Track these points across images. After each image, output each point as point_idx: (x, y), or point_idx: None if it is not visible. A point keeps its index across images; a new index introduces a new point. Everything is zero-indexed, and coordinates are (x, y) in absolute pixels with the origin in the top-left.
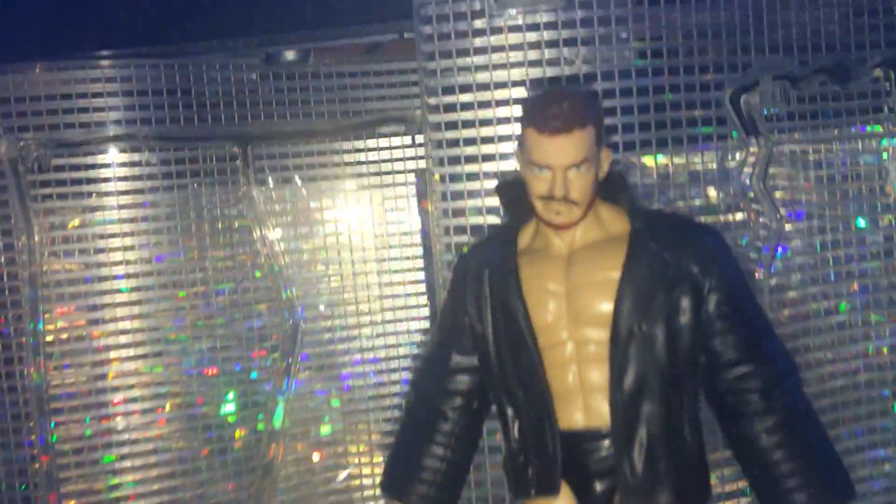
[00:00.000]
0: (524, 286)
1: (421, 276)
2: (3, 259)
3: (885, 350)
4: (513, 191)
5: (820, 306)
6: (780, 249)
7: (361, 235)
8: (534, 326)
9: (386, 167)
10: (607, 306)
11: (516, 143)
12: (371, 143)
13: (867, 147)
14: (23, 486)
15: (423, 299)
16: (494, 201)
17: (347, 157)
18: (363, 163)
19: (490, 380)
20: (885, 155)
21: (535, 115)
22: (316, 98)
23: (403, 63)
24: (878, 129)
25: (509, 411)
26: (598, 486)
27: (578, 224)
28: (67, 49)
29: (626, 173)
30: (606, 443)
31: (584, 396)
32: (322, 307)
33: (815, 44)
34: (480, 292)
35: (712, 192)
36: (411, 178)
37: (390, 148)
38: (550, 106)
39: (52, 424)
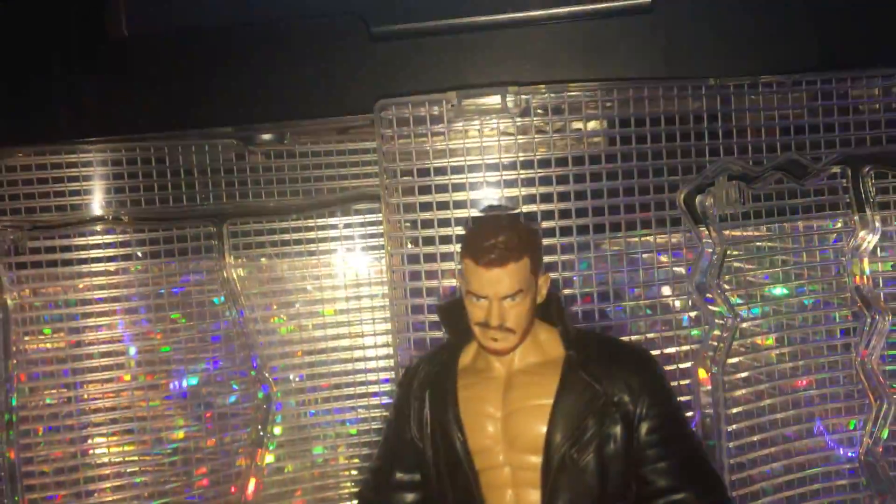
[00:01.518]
0: (462, 408)
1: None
2: None
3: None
4: (454, 313)
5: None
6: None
7: (334, 308)
8: (470, 449)
9: (360, 241)
10: (541, 432)
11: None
12: (346, 218)
13: (825, 242)
14: None
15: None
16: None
17: (321, 233)
18: (336, 238)
19: (431, 498)
20: (843, 249)
21: (473, 247)
22: (291, 176)
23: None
24: (839, 224)
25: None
26: None
27: (515, 349)
28: (44, 136)
29: (560, 297)
30: None
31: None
32: (294, 380)
33: (769, 144)
34: (422, 411)
35: (666, 290)
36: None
37: (363, 224)
38: (487, 239)
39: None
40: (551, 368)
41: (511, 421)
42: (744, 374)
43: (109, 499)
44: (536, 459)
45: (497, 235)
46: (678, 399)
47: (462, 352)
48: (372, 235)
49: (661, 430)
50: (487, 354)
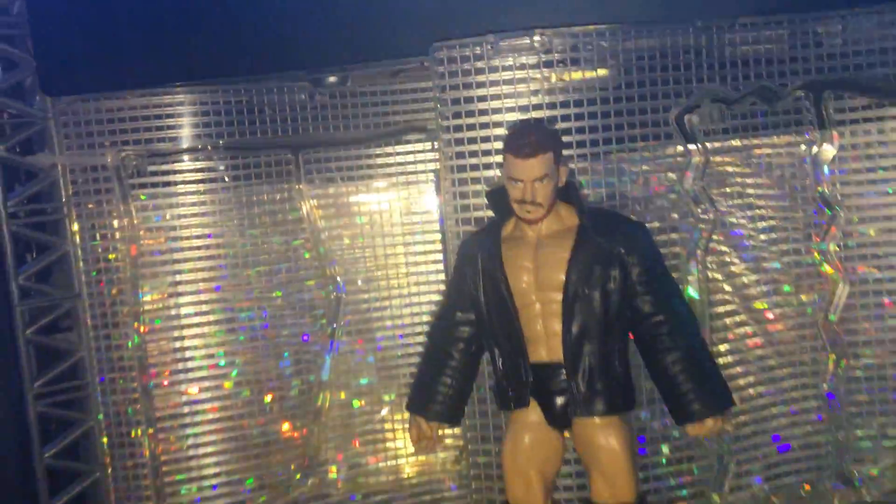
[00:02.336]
0: (505, 264)
1: (439, 256)
2: (109, 244)
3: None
4: (497, 196)
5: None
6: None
7: (391, 224)
8: (512, 291)
9: (410, 168)
10: (561, 277)
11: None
12: (398, 148)
13: (798, 154)
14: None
15: (441, 275)
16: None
17: (378, 160)
18: (391, 164)
19: (482, 330)
20: (806, 159)
21: (511, 143)
22: (353, 112)
23: (424, 83)
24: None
25: (496, 351)
26: (558, 402)
27: (543, 219)
28: (153, 80)
29: (577, 183)
30: (562, 371)
31: (546, 340)
32: (360, 282)
33: (745, 73)
34: (475, 269)
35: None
36: (431, 176)
37: (413, 152)
38: (521, 138)
39: (150, 382)
40: (569, 233)
41: (540, 270)
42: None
43: (213, 373)
44: (558, 296)
45: (529, 135)
46: (661, 254)
47: (504, 225)
48: (420, 162)
49: (648, 273)
50: (523, 224)
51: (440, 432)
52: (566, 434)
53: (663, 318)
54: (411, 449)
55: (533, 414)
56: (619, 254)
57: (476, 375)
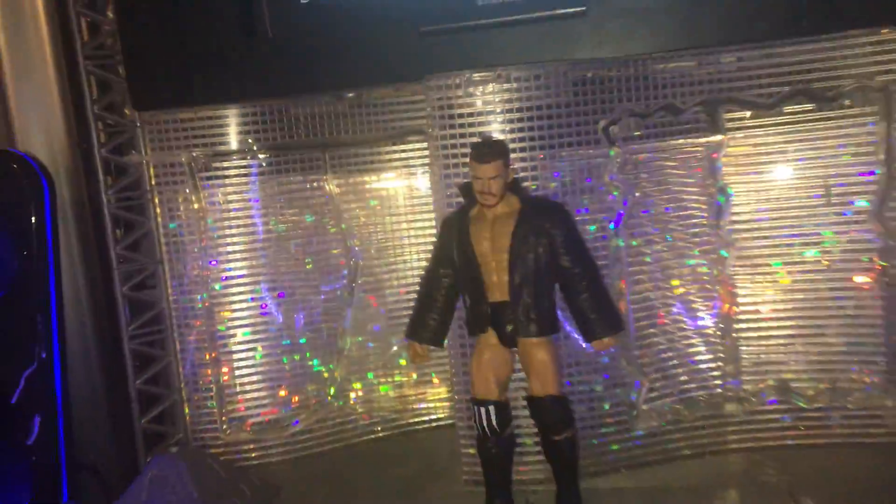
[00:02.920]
0: (471, 235)
1: (432, 230)
2: (182, 222)
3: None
4: (466, 188)
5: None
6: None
7: (396, 206)
8: (475, 253)
9: (410, 162)
10: (508, 243)
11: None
12: (401, 146)
13: (696, 155)
14: (198, 350)
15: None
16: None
17: (386, 156)
18: (396, 159)
19: (457, 280)
20: (707, 162)
21: (474, 153)
22: (366, 119)
23: (419, 97)
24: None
25: (466, 295)
26: (507, 328)
27: (496, 205)
28: (216, 97)
29: (519, 180)
30: (509, 307)
31: (499, 286)
32: (373, 251)
33: (656, 94)
34: (451, 237)
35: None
36: (426, 169)
37: (412, 150)
38: (481, 149)
39: (214, 328)
40: (514, 214)
41: (495, 240)
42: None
43: (264, 319)
44: (506, 257)
45: (486, 147)
46: (577, 226)
47: (471, 209)
48: (417, 157)
49: (566, 240)
50: (483, 208)
51: (428, 351)
52: (514, 350)
53: (577, 270)
54: (413, 379)
55: (492, 337)
56: (547, 228)
57: (453, 312)
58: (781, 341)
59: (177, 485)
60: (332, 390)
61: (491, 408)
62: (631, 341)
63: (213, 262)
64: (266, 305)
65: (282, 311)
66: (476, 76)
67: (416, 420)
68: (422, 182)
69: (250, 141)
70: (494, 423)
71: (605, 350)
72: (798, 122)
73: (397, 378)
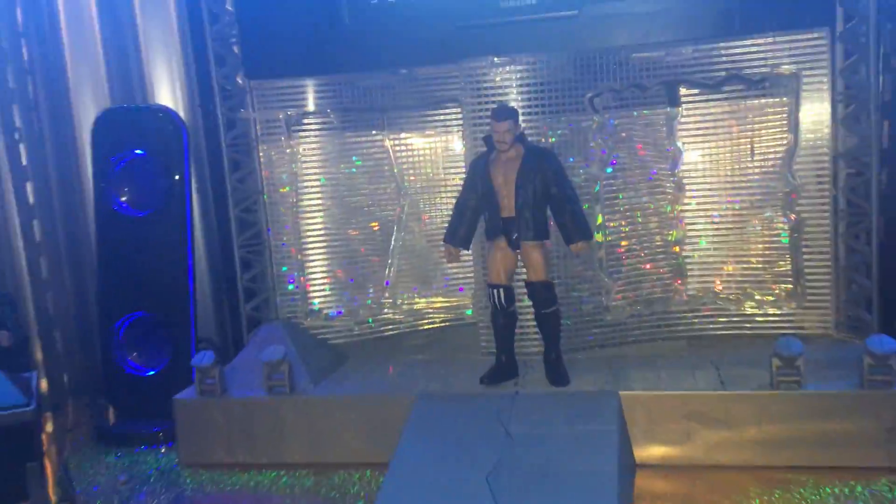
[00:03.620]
0: (490, 171)
1: (461, 174)
2: (278, 165)
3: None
4: (487, 140)
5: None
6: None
7: (437, 157)
8: (493, 184)
9: (449, 123)
10: (514, 177)
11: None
12: (442, 110)
13: (658, 121)
14: (286, 258)
15: None
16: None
17: (430, 118)
18: (438, 120)
19: (480, 203)
20: (667, 127)
21: (493, 114)
22: (415, 89)
23: (456, 73)
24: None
25: (486, 212)
26: (514, 236)
27: (508, 151)
28: (305, 70)
29: (524, 135)
30: (515, 222)
31: (508, 207)
32: (419, 191)
33: (628, 75)
34: (476, 173)
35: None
36: (460, 128)
37: (450, 114)
38: (498, 111)
39: (299, 243)
40: (519, 158)
41: (506, 174)
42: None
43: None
44: (513, 186)
45: (501, 110)
46: (563, 168)
47: (490, 154)
48: (454, 120)
49: (555, 176)
50: (499, 153)
51: (459, 252)
52: (517, 251)
53: (561, 196)
54: (444, 289)
55: (502, 241)
56: (542, 167)
57: (476, 225)
58: (716, 260)
59: (279, 343)
60: (386, 294)
61: (501, 290)
62: (604, 257)
63: (303, 190)
64: (335, 231)
65: (350, 233)
66: (496, 59)
67: (447, 318)
68: (455, 138)
69: (328, 105)
70: (503, 300)
71: (579, 252)
72: (732, 99)
73: (433, 289)
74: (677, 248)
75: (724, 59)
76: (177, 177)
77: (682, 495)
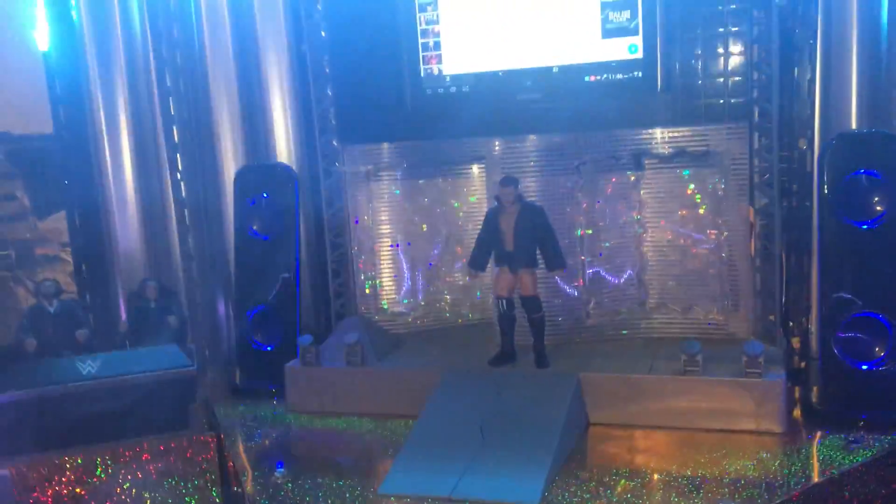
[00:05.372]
0: (499, 221)
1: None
2: (363, 205)
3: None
4: (497, 198)
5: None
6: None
7: (469, 202)
8: (500, 230)
9: (477, 180)
10: (513, 225)
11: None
12: (474, 168)
13: (627, 181)
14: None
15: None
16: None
17: (466, 172)
18: (470, 175)
19: (491, 241)
20: (634, 185)
21: (501, 181)
22: (453, 151)
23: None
24: (633, 173)
25: (495, 247)
26: (513, 263)
27: (511, 206)
28: (379, 137)
29: (522, 195)
30: (514, 255)
31: (509, 244)
32: (459, 224)
33: (605, 149)
34: (490, 221)
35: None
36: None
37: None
38: (505, 180)
39: (373, 255)
40: (517, 212)
41: (508, 223)
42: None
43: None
44: (513, 231)
45: (508, 180)
46: (551, 223)
47: (500, 207)
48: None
49: (543, 226)
50: (504, 207)
51: (478, 274)
52: (515, 275)
53: (546, 238)
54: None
55: (505, 267)
56: (534, 218)
57: (490, 256)
58: (667, 278)
59: (355, 331)
60: (434, 299)
61: (504, 300)
62: (586, 280)
63: (379, 221)
64: (399, 247)
65: (410, 249)
66: (503, 141)
67: (477, 316)
68: (480, 189)
69: (394, 163)
70: (505, 307)
71: (556, 275)
72: (682, 166)
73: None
74: (639, 273)
75: (677, 139)
76: (290, 212)
77: (620, 443)
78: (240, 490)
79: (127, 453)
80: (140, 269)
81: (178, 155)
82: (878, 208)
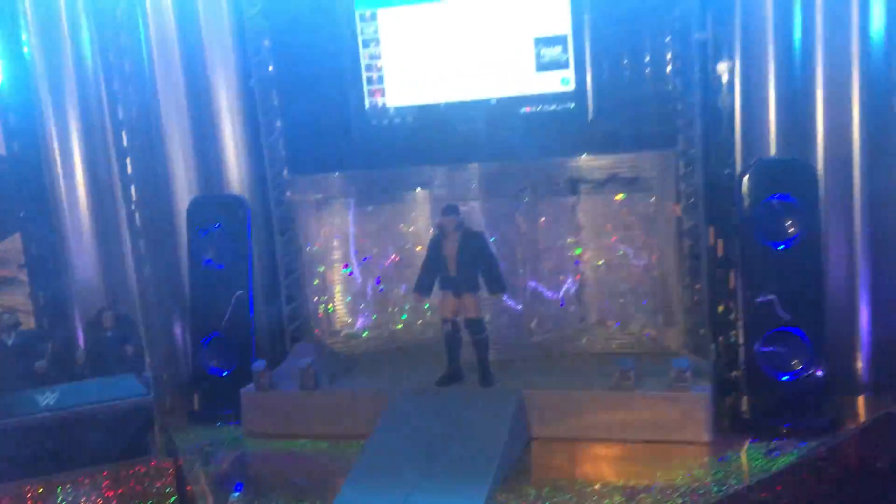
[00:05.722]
0: (443, 246)
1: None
2: (313, 232)
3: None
4: (439, 225)
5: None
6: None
7: (409, 229)
8: (445, 255)
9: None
10: (456, 250)
11: None
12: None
13: (566, 204)
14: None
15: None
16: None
17: (412, 201)
18: (417, 202)
19: (436, 266)
20: (571, 208)
21: (444, 211)
22: (400, 180)
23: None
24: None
25: (439, 272)
26: (457, 288)
27: (453, 233)
28: (325, 167)
29: (463, 221)
30: (458, 279)
31: (453, 269)
32: (407, 249)
33: (545, 176)
34: (434, 247)
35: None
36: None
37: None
38: (447, 210)
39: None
40: (459, 238)
41: (451, 248)
42: None
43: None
44: (456, 256)
45: (449, 209)
46: (490, 246)
47: (443, 234)
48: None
49: (483, 251)
50: (447, 234)
51: (423, 299)
52: (460, 299)
53: (487, 262)
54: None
55: (450, 292)
56: (474, 244)
57: (435, 281)
58: (606, 297)
59: (308, 355)
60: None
61: (450, 322)
62: (528, 301)
63: (330, 247)
64: (352, 272)
65: (360, 273)
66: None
67: (426, 337)
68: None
69: (342, 190)
70: (451, 329)
71: (497, 298)
72: (615, 191)
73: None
74: (578, 292)
75: (609, 166)
76: (242, 241)
77: (560, 456)
78: None
79: (87, 481)
80: (97, 297)
81: (132, 186)
82: (792, 230)
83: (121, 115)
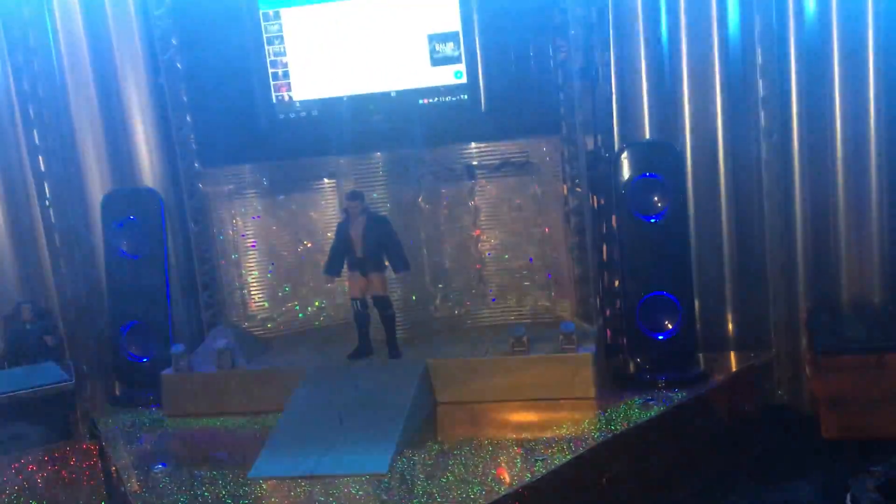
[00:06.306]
0: (349, 229)
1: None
2: (225, 223)
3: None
4: (346, 211)
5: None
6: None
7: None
8: (351, 237)
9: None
10: (362, 233)
11: None
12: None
13: (463, 188)
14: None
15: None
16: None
17: (317, 188)
18: (328, 189)
19: (343, 248)
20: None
21: (347, 196)
22: (309, 172)
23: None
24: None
25: (347, 254)
26: (364, 268)
27: (358, 217)
28: (239, 159)
29: (368, 205)
30: (364, 260)
31: (359, 251)
32: (319, 235)
33: (442, 162)
34: (341, 231)
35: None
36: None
37: (329, 187)
38: (351, 195)
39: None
40: (364, 221)
41: (356, 231)
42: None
43: None
44: (361, 238)
45: (353, 194)
46: (394, 231)
47: (348, 218)
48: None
49: (387, 233)
50: (352, 218)
51: (333, 280)
52: (367, 278)
53: (390, 243)
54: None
55: (357, 272)
56: (378, 227)
57: (343, 262)
58: (504, 270)
59: (225, 338)
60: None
61: (358, 301)
62: (427, 281)
63: (243, 235)
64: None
65: (272, 262)
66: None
67: (339, 318)
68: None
69: (256, 180)
70: (360, 307)
71: (401, 277)
72: (507, 175)
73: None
74: (479, 266)
75: (502, 152)
76: (157, 232)
77: (463, 417)
78: (124, 489)
79: (13, 466)
80: (14, 293)
81: (45, 183)
82: (660, 205)
83: (31, 114)
